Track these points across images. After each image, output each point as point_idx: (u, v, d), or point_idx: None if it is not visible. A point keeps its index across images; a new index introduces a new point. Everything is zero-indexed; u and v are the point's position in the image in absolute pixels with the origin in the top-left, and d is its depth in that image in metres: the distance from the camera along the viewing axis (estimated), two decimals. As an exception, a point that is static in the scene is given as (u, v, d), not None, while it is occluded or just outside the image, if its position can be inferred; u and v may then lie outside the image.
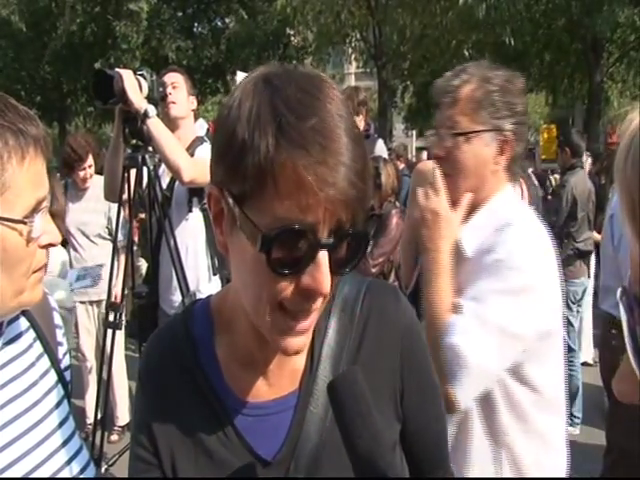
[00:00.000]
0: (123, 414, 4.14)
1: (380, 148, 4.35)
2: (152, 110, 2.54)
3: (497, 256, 1.34)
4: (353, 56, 19.51)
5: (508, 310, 1.30)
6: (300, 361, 0.86)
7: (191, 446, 0.83)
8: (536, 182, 6.26)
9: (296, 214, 0.66)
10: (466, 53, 14.23)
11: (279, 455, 0.82)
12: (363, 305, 0.88)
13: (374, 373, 0.85)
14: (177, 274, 2.67)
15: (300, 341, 0.74)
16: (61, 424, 0.96)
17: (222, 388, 0.84)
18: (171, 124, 2.84)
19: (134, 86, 2.53)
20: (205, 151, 2.78)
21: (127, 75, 2.53)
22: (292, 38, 20.03)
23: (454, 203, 1.45)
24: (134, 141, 2.67)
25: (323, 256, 0.68)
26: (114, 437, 4.07)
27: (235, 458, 0.82)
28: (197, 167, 2.56)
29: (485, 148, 1.42)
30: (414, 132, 30.31)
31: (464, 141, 1.42)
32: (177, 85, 2.90)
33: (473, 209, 1.46)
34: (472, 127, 1.42)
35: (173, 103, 2.87)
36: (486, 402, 1.37)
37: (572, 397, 4.21)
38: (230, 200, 0.70)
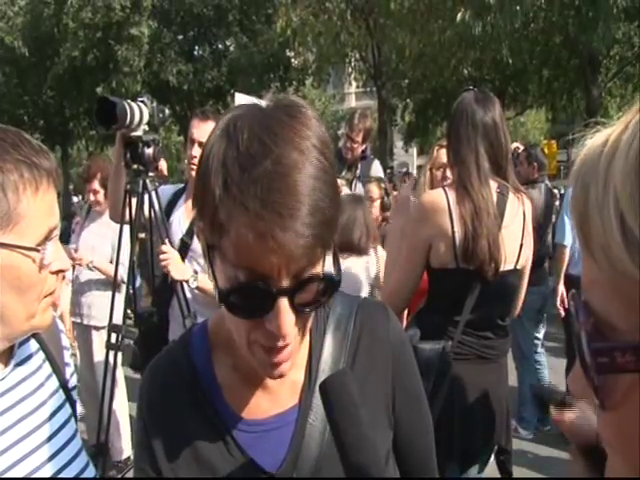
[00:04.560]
0: (121, 447, 3.90)
1: (376, 169, 4.40)
2: (193, 281, 2.53)
3: None
4: (353, 76, 19.66)
5: None
6: (299, 376, 0.89)
7: (194, 465, 0.86)
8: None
9: (252, 262, 0.67)
10: (465, 71, 14.35)
11: (282, 468, 0.85)
12: (355, 322, 0.93)
13: (367, 385, 0.89)
14: (179, 298, 2.67)
15: (282, 368, 0.77)
16: (68, 442, 1.00)
17: (224, 408, 0.87)
18: (191, 180, 2.81)
19: (177, 262, 2.54)
20: None
21: (168, 252, 2.53)
22: (292, 60, 20.23)
23: None
24: (135, 166, 2.70)
25: (282, 302, 0.69)
26: (112, 472, 3.75)
27: (240, 473, 0.85)
28: None
29: None
30: (414, 150, 30.47)
31: None
32: None
33: None
34: None
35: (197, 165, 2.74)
36: None
37: (525, 403, 4.39)
38: (208, 237, 0.73)
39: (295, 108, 0.73)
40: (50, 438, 0.96)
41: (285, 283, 0.69)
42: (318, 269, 0.73)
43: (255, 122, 0.70)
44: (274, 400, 0.88)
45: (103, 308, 3.03)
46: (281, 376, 0.79)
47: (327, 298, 0.75)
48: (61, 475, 0.96)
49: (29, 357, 1.00)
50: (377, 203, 3.87)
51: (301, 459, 0.85)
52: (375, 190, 3.89)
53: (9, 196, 0.84)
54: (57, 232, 0.93)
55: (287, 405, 0.88)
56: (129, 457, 3.90)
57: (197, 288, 2.55)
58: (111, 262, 3.73)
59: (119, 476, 3.62)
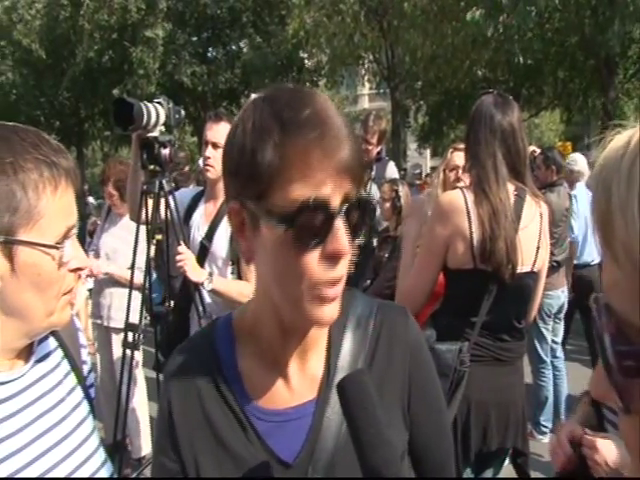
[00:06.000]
0: (140, 444, 3.90)
1: (392, 170, 4.40)
2: (208, 284, 2.54)
3: None
4: (366, 77, 19.66)
5: None
6: (318, 371, 0.92)
7: (215, 450, 0.88)
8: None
9: (310, 192, 0.75)
10: (479, 73, 14.29)
11: (298, 458, 0.87)
12: (375, 322, 0.95)
13: (385, 383, 0.91)
14: (194, 299, 2.68)
15: (333, 309, 0.81)
16: (86, 439, 1.01)
17: (244, 396, 0.90)
18: (208, 182, 2.85)
19: (193, 264, 2.57)
20: None
21: (184, 253, 2.57)
22: (306, 61, 20.26)
23: None
24: (151, 167, 2.72)
25: (339, 223, 0.77)
26: (127, 470, 3.72)
27: (257, 461, 0.87)
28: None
29: None
30: (428, 152, 30.39)
31: None
32: (220, 145, 2.61)
33: None
34: None
35: (212, 167, 2.70)
36: None
37: (541, 407, 4.35)
38: (250, 202, 0.79)
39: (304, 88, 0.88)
40: (68, 435, 0.97)
41: (337, 205, 0.77)
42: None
43: (286, 90, 0.83)
44: (294, 392, 0.91)
45: (123, 310, 3.04)
46: (331, 320, 0.82)
47: (368, 222, 0.84)
48: (78, 472, 0.97)
49: (48, 354, 1.01)
50: (389, 204, 3.88)
51: (317, 451, 0.87)
52: (388, 192, 3.91)
53: (30, 194, 0.85)
54: (75, 231, 0.94)
55: (306, 397, 0.90)
56: (144, 456, 3.92)
57: (212, 290, 2.56)
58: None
59: (134, 474, 3.65)
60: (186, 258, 2.54)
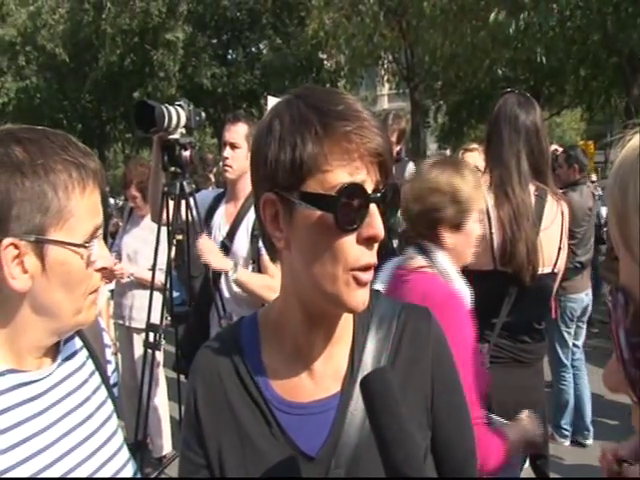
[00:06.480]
0: (161, 444, 3.96)
1: (411, 171, 4.38)
2: (232, 273, 2.57)
3: None
4: (386, 78, 19.56)
5: None
6: (342, 365, 0.93)
7: (239, 444, 0.90)
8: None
9: (347, 178, 0.80)
10: (499, 72, 14.15)
11: (321, 451, 0.88)
12: (398, 322, 0.96)
13: (408, 382, 0.92)
14: (215, 298, 2.71)
15: (365, 294, 0.85)
16: (110, 437, 1.03)
17: (268, 390, 0.91)
18: (228, 182, 2.88)
19: (216, 252, 2.61)
20: None
21: (207, 244, 2.61)
22: (325, 62, 20.24)
23: None
24: (172, 168, 2.75)
25: (374, 207, 0.82)
26: (148, 470, 3.75)
27: (280, 454, 0.88)
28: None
29: None
30: (448, 152, 30.22)
31: None
32: (238, 145, 2.75)
33: None
34: None
35: (230, 167, 2.76)
36: None
37: (562, 410, 4.30)
38: (287, 192, 0.82)
39: None
40: (93, 433, 0.99)
41: (371, 191, 0.82)
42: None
43: (317, 88, 0.88)
44: (317, 385, 0.92)
45: (144, 310, 3.08)
46: (363, 306, 0.85)
47: (396, 206, 0.89)
48: (102, 470, 0.99)
49: (74, 353, 1.03)
50: None
51: (341, 445, 0.87)
52: None
53: (60, 195, 0.88)
54: (101, 231, 0.96)
55: (330, 391, 0.92)
56: (165, 455, 3.95)
57: (235, 281, 2.58)
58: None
59: (155, 474, 3.68)
60: (209, 249, 2.57)
